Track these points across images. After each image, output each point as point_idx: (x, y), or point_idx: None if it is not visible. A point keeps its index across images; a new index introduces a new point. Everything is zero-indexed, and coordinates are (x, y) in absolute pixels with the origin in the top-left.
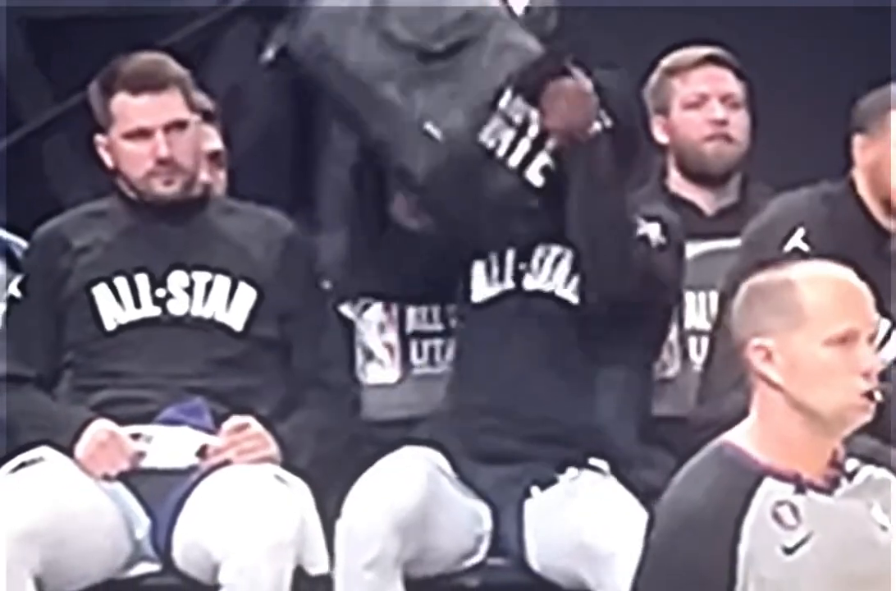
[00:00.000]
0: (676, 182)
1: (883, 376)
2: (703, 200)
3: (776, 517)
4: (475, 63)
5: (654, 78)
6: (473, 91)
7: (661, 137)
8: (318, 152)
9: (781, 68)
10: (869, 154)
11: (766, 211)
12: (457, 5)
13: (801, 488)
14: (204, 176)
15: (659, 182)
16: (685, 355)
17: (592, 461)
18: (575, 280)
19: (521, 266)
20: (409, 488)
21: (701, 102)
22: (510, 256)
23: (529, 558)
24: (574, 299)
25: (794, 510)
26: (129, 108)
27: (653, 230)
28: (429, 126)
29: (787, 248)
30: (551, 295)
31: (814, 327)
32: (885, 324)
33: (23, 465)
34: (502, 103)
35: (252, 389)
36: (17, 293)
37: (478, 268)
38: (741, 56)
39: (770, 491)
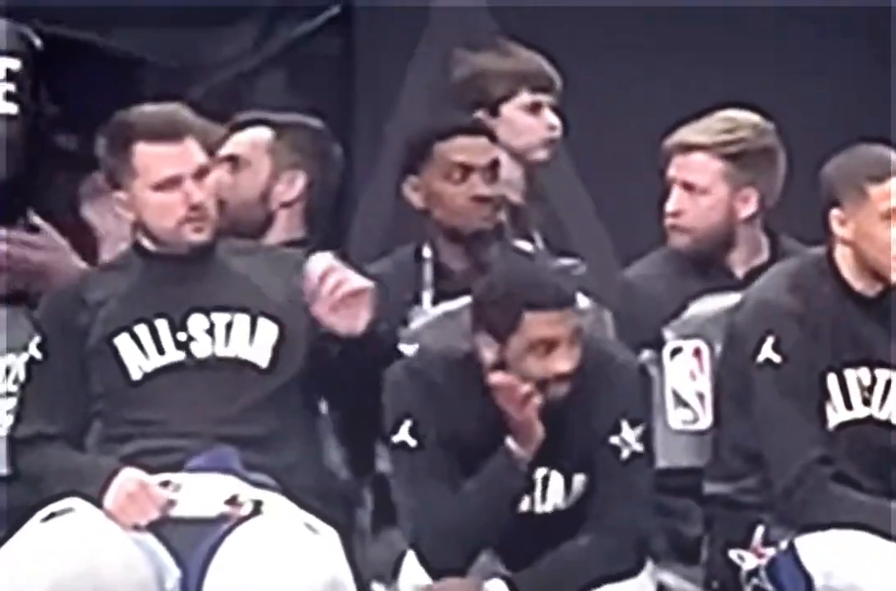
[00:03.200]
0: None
1: None
2: (736, 259)
3: None
4: None
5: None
6: None
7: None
8: (351, 203)
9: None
10: (850, 228)
11: (742, 311)
12: None
13: None
14: None
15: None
16: (716, 407)
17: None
18: None
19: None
20: None
21: (670, 189)
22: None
23: None
24: None
25: None
26: (154, 158)
27: (629, 436)
28: None
29: (760, 358)
30: None
31: None
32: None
33: (52, 515)
34: None
35: (281, 433)
36: (38, 354)
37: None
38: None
39: None
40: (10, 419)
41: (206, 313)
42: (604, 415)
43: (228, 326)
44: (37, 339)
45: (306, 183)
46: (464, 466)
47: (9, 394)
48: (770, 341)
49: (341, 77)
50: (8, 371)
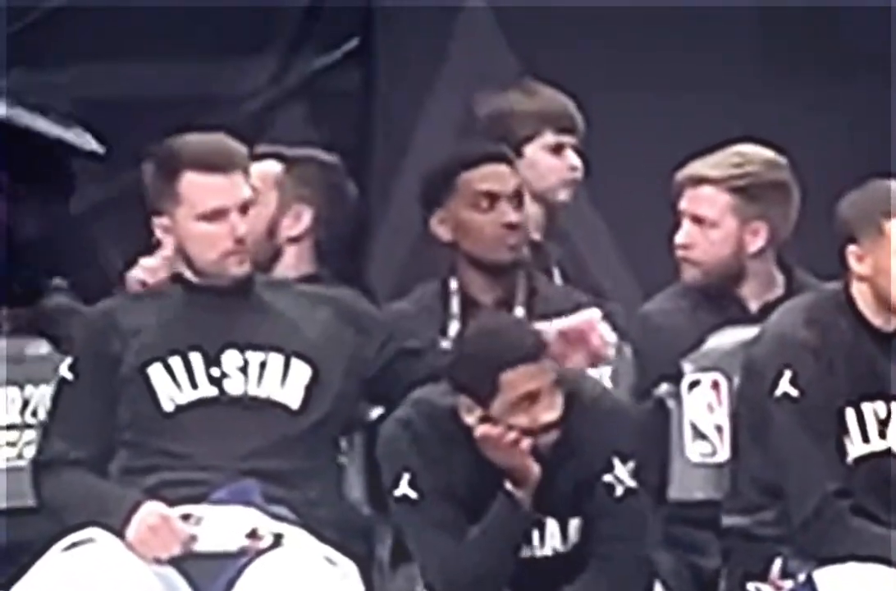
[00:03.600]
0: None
1: None
2: (749, 293)
3: None
4: None
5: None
6: None
7: None
8: (369, 237)
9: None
10: (867, 264)
11: (759, 345)
12: None
13: None
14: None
15: None
16: (734, 440)
17: None
18: None
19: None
20: None
21: (681, 221)
22: None
23: None
24: None
25: None
26: (203, 188)
27: (621, 473)
28: None
29: (778, 392)
30: None
31: None
32: None
33: (73, 545)
34: None
35: (305, 471)
36: (69, 375)
37: None
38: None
39: None
40: (31, 450)
41: (241, 349)
42: (595, 455)
43: (262, 365)
44: (68, 360)
45: (313, 218)
46: (466, 513)
47: (27, 426)
48: (787, 375)
49: (359, 111)
50: (26, 403)
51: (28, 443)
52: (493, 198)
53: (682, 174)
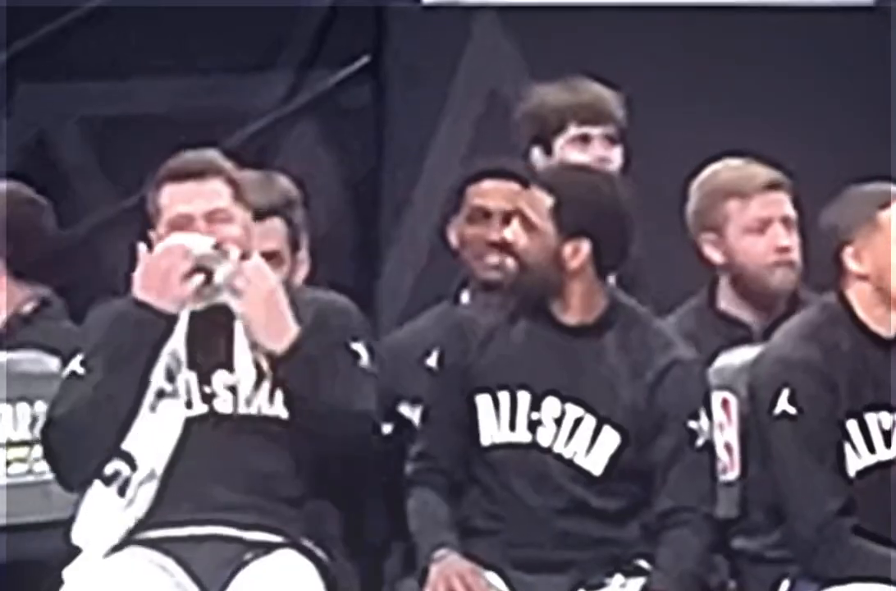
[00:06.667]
0: (728, 300)
1: None
2: (753, 318)
3: None
4: None
5: (703, 196)
6: None
7: (714, 256)
8: (380, 255)
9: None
10: (865, 261)
11: (759, 365)
12: None
13: None
14: None
15: (707, 298)
16: (744, 458)
17: (640, 563)
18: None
19: (534, 416)
20: None
21: (763, 227)
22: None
23: None
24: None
25: None
26: (173, 195)
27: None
28: None
29: (777, 411)
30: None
31: None
32: None
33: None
34: None
35: (281, 473)
36: (80, 370)
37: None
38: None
39: None
40: (41, 466)
41: (231, 370)
42: None
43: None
44: (79, 357)
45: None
46: None
47: (37, 441)
48: (785, 393)
49: (370, 127)
50: (35, 419)
51: (37, 459)
52: (484, 214)
53: (749, 181)
